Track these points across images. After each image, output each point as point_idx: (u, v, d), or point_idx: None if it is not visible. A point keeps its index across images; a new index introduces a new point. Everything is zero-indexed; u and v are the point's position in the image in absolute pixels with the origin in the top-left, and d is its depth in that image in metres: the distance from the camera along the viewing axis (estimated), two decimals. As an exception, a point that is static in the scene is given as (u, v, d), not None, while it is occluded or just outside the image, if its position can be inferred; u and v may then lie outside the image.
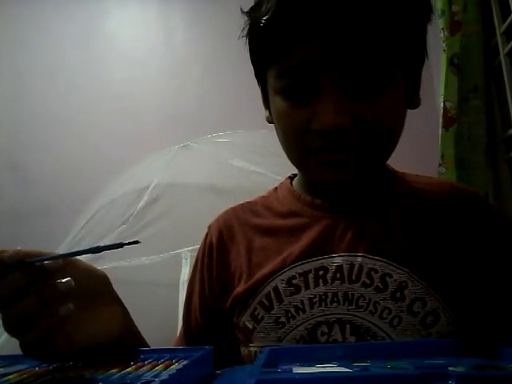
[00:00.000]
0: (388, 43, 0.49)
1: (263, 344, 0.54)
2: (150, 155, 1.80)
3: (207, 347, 0.43)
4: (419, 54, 0.56)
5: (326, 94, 0.50)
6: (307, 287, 0.54)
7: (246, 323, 0.56)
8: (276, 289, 0.55)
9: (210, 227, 0.68)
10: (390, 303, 0.52)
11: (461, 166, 1.25)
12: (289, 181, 0.68)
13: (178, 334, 0.69)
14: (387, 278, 0.53)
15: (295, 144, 0.56)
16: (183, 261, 1.57)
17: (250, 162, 1.66)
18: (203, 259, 0.66)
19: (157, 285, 1.61)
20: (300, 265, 0.55)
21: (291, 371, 0.35)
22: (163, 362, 0.40)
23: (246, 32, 0.57)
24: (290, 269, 0.55)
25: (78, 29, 2.23)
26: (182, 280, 1.52)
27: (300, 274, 0.55)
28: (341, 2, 0.47)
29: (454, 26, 1.28)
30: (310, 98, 0.52)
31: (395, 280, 0.53)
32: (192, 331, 0.65)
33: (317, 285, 0.54)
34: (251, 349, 0.56)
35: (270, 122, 0.62)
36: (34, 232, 2.01)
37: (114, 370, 0.39)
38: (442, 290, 0.53)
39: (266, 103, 0.62)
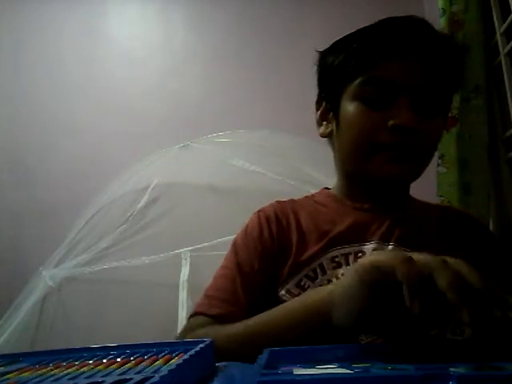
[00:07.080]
0: (444, 85, 0.69)
1: None
2: (150, 155, 1.80)
3: (207, 340, 0.43)
4: (451, 99, 0.77)
5: (402, 104, 0.66)
6: (347, 264, 0.67)
7: (292, 290, 0.67)
8: (321, 265, 0.68)
9: (260, 211, 0.78)
10: None
11: (462, 166, 1.25)
12: (325, 190, 0.83)
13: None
14: None
15: (367, 140, 0.68)
16: (183, 261, 1.57)
17: (250, 161, 1.66)
18: (261, 231, 0.74)
19: (157, 285, 1.61)
20: (341, 248, 0.69)
21: (292, 372, 0.35)
22: (163, 357, 0.40)
23: (320, 60, 0.75)
24: (332, 250, 0.68)
25: (77, 29, 2.22)
26: (181, 280, 1.52)
27: (342, 255, 0.68)
28: (421, 42, 0.66)
29: (453, 26, 1.28)
30: (384, 105, 0.67)
31: None
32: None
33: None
34: None
35: (324, 136, 0.77)
36: (34, 232, 2.01)
37: (113, 366, 0.38)
38: None
39: (326, 117, 0.76)
